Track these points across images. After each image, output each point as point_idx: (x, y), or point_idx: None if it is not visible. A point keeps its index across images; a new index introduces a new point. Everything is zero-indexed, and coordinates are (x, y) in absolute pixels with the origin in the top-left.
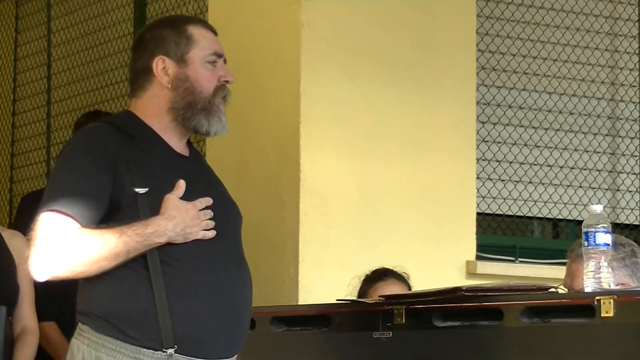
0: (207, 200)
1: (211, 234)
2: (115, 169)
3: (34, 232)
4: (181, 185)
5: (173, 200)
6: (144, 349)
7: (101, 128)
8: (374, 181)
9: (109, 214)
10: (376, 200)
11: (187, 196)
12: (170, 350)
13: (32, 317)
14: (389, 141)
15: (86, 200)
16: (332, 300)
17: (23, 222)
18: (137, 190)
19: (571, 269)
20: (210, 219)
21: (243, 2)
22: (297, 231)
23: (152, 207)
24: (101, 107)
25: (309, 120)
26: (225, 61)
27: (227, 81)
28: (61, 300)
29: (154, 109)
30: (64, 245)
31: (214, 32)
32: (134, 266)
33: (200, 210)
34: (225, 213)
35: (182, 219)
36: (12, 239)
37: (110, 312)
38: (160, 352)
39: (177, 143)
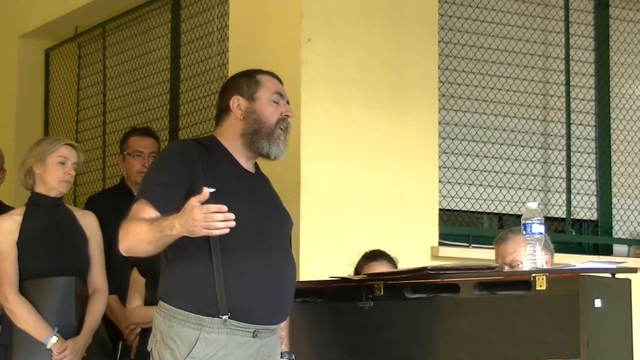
0: (216, 207)
1: (218, 232)
2: (192, 171)
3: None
4: (204, 192)
5: (188, 203)
6: (204, 317)
7: (185, 141)
8: (358, 184)
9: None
10: (360, 199)
11: (249, 203)
12: (225, 317)
13: (103, 280)
14: (370, 152)
15: (164, 190)
16: (326, 277)
17: None
18: (207, 189)
19: (498, 251)
20: (264, 222)
21: (256, 46)
22: (298, 223)
23: (215, 203)
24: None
25: (308, 136)
26: (288, 102)
27: (287, 115)
28: (120, 278)
29: (229, 135)
30: (126, 232)
31: (279, 80)
32: (201, 252)
33: (209, 213)
34: (278, 217)
35: (186, 217)
36: (84, 217)
37: (180, 286)
38: (217, 319)
39: (245, 162)
